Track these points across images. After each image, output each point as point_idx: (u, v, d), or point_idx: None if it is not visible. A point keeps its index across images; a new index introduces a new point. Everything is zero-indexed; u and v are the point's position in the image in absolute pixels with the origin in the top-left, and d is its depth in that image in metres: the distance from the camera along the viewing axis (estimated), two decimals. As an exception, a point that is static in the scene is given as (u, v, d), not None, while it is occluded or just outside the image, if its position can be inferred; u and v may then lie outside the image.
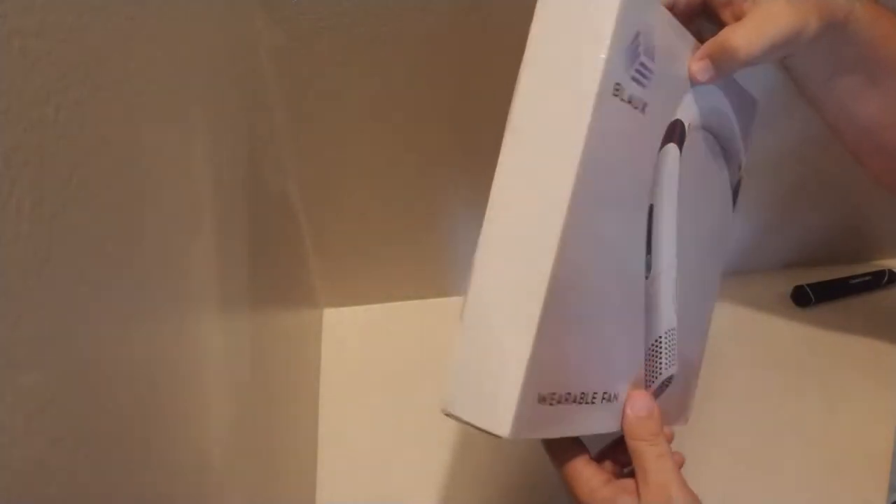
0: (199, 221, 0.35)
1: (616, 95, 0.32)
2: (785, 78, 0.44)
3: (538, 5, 0.33)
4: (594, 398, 0.37)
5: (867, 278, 0.76)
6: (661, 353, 0.41)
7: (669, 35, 0.36)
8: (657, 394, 0.42)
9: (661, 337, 0.41)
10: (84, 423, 0.23)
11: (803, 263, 0.79)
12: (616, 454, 0.44)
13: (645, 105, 0.34)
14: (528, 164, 0.32)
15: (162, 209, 0.30)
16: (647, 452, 0.38)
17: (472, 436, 0.40)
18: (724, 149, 0.44)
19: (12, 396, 0.19)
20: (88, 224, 0.23)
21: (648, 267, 0.39)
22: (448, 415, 0.34)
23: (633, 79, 0.33)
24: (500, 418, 0.32)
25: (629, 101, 0.33)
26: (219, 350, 0.37)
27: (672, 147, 0.38)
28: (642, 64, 0.33)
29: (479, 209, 0.33)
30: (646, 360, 0.41)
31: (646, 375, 0.41)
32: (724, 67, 0.37)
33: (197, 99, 0.35)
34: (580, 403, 0.36)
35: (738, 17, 0.38)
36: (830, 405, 0.67)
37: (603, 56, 0.31)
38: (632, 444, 0.39)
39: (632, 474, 0.40)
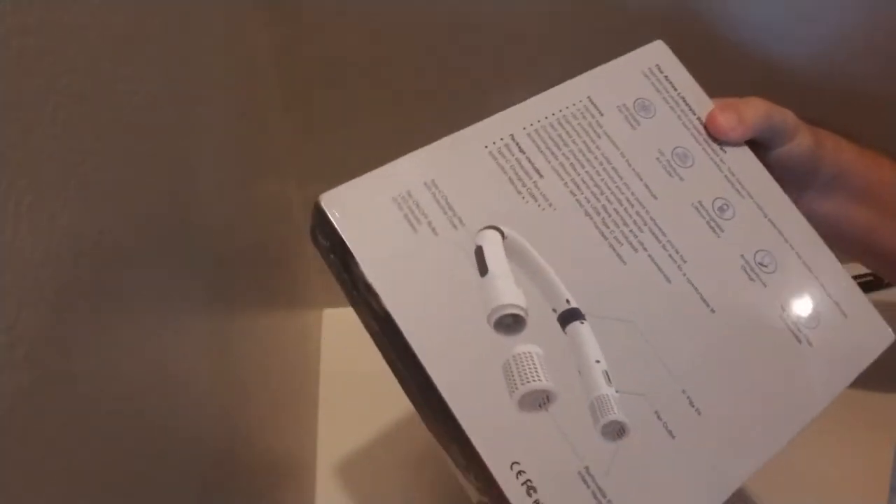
0: (198, 222, 0.35)
1: None
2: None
3: None
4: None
5: (868, 278, 0.75)
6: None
7: None
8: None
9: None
10: (82, 423, 0.23)
11: (804, 264, 0.78)
12: None
13: None
14: None
15: (160, 210, 0.30)
16: None
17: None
18: None
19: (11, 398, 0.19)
20: (87, 224, 0.23)
21: None
22: None
23: None
24: None
25: None
26: (219, 350, 0.37)
27: None
28: None
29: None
30: None
31: None
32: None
33: (196, 99, 0.35)
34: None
35: None
36: (830, 405, 0.67)
37: None
38: None
39: None
